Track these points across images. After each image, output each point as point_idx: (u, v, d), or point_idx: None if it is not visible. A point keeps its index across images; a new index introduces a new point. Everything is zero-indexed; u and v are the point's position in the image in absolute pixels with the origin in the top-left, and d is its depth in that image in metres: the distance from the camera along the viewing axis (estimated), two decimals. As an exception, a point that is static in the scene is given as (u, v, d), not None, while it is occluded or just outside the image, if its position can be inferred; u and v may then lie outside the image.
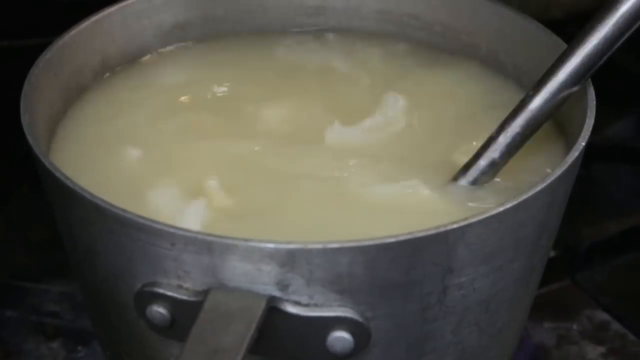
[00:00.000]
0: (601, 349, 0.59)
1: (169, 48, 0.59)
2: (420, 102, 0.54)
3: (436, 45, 0.59)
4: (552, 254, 0.63)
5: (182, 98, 0.56)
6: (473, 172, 0.47)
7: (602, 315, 0.61)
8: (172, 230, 0.39)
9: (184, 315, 0.40)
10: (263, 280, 0.39)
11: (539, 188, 0.41)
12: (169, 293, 0.40)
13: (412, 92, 0.55)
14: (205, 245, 0.39)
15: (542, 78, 0.47)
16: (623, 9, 0.45)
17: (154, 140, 0.52)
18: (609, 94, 0.51)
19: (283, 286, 0.39)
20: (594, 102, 0.46)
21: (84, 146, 0.51)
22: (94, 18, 0.54)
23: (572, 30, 0.57)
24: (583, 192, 0.70)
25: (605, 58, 0.46)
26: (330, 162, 0.50)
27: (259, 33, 0.60)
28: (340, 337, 0.40)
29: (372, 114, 0.52)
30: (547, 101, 0.46)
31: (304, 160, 0.50)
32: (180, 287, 0.40)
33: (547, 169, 0.48)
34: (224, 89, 0.56)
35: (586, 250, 0.65)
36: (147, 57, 0.58)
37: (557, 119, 0.51)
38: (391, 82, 0.57)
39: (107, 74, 0.56)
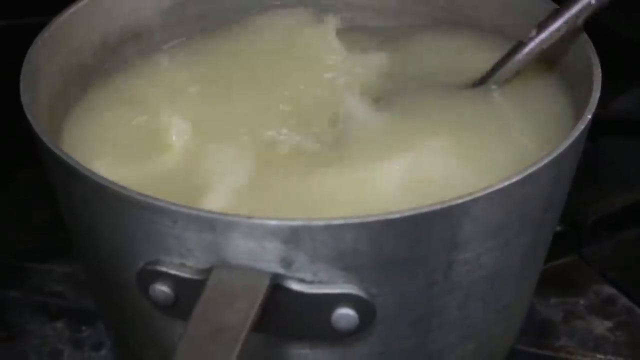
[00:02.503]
0: (608, 324, 0.58)
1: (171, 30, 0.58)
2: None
3: (439, 19, 0.58)
4: (559, 228, 0.62)
5: (185, 81, 0.55)
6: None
7: (609, 290, 0.61)
8: (174, 207, 0.39)
9: (187, 293, 0.40)
10: (266, 257, 0.39)
11: (544, 162, 0.40)
12: (172, 271, 0.40)
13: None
14: (207, 223, 0.38)
15: None
16: None
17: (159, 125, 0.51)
18: (616, 66, 0.50)
19: (287, 263, 0.39)
20: (600, 74, 0.46)
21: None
22: (93, -5, 0.53)
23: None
24: (589, 166, 0.69)
25: None
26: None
27: (262, 9, 0.60)
28: (345, 314, 0.40)
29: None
30: None
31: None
32: (183, 265, 0.40)
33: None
34: (228, 71, 0.56)
35: (593, 224, 0.64)
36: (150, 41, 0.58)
37: (568, 90, 0.51)
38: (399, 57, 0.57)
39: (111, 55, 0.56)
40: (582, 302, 0.60)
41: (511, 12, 0.55)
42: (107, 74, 0.55)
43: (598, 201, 0.66)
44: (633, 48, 0.48)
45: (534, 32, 0.50)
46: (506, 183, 0.39)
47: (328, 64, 0.55)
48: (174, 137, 0.49)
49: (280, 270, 0.39)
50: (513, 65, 0.51)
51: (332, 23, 0.57)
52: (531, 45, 0.50)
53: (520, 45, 0.51)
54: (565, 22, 0.49)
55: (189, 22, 0.59)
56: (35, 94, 0.47)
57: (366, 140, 0.49)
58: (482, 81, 0.52)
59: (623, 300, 0.60)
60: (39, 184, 0.49)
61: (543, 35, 0.50)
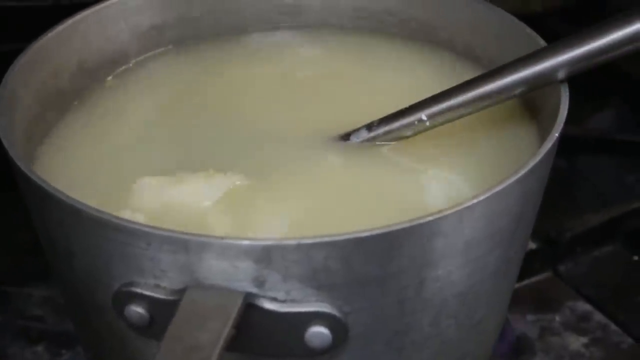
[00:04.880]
0: (583, 340, 0.59)
1: (148, 54, 0.59)
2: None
3: (413, 41, 0.59)
4: (534, 245, 0.63)
5: (163, 104, 0.56)
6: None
7: (584, 306, 0.61)
8: (147, 229, 0.39)
9: (162, 314, 0.40)
10: (239, 277, 0.39)
11: (512, 180, 0.41)
12: (147, 292, 0.41)
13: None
14: (181, 244, 0.39)
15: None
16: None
17: (135, 146, 0.52)
18: (589, 85, 0.51)
19: (259, 283, 0.39)
20: (568, 94, 0.47)
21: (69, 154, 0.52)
22: (69, 21, 0.54)
23: (551, 25, 0.57)
24: (564, 184, 0.70)
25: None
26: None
27: (237, 33, 0.61)
28: (318, 332, 0.40)
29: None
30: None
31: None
32: (157, 286, 0.40)
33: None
34: (203, 95, 0.57)
35: (568, 241, 0.65)
36: (126, 65, 0.58)
37: (531, 106, 0.51)
38: (370, 78, 0.58)
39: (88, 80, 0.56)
40: (557, 318, 0.61)
41: (483, 34, 0.56)
42: (83, 98, 0.55)
43: (573, 218, 0.66)
44: (606, 67, 0.49)
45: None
46: (474, 201, 0.40)
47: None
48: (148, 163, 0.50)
49: (253, 290, 0.39)
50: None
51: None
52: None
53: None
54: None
55: (166, 47, 0.59)
56: (12, 118, 0.47)
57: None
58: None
59: (598, 317, 0.61)
60: (18, 208, 0.49)
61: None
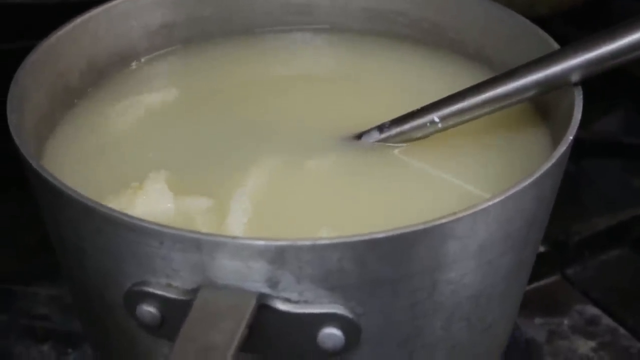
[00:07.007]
0: (592, 344, 0.59)
1: (157, 53, 0.59)
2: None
3: (423, 42, 0.59)
4: (542, 249, 0.63)
5: (171, 102, 0.56)
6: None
7: (593, 310, 0.61)
8: (160, 228, 0.39)
9: (174, 314, 0.40)
10: (253, 277, 0.39)
11: (526, 183, 0.41)
12: (159, 292, 0.40)
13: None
14: (193, 244, 0.39)
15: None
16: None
17: (141, 143, 0.52)
18: (597, 89, 0.51)
19: (273, 283, 0.39)
20: (581, 96, 0.47)
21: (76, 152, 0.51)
22: (80, 19, 0.54)
23: (556, 27, 0.57)
24: (572, 188, 0.70)
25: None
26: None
27: (246, 33, 0.61)
28: (331, 334, 0.40)
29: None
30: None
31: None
32: (169, 285, 0.40)
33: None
34: (212, 94, 0.57)
35: (576, 245, 0.65)
36: (135, 63, 0.58)
37: (543, 109, 0.51)
38: (381, 79, 0.58)
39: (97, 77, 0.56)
40: (565, 322, 0.60)
41: (495, 36, 0.56)
42: (92, 96, 0.55)
43: (581, 222, 0.66)
44: (614, 70, 0.49)
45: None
46: (489, 203, 0.40)
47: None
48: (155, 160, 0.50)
49: (267, 290, 0.39)
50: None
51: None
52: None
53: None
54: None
55: (175, 45, 0.59)
56: (22, 116, 0.47)
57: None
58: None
59: (606, 320, 0.60)
60: (25, 207, 0.49)
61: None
